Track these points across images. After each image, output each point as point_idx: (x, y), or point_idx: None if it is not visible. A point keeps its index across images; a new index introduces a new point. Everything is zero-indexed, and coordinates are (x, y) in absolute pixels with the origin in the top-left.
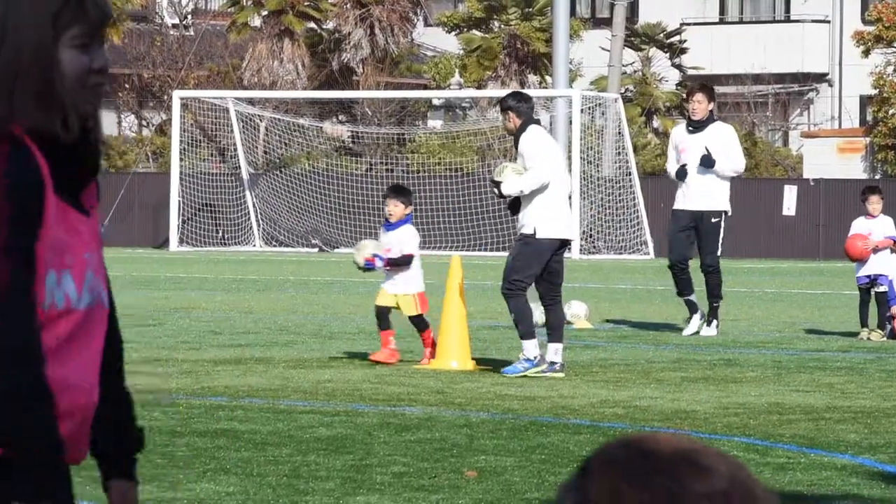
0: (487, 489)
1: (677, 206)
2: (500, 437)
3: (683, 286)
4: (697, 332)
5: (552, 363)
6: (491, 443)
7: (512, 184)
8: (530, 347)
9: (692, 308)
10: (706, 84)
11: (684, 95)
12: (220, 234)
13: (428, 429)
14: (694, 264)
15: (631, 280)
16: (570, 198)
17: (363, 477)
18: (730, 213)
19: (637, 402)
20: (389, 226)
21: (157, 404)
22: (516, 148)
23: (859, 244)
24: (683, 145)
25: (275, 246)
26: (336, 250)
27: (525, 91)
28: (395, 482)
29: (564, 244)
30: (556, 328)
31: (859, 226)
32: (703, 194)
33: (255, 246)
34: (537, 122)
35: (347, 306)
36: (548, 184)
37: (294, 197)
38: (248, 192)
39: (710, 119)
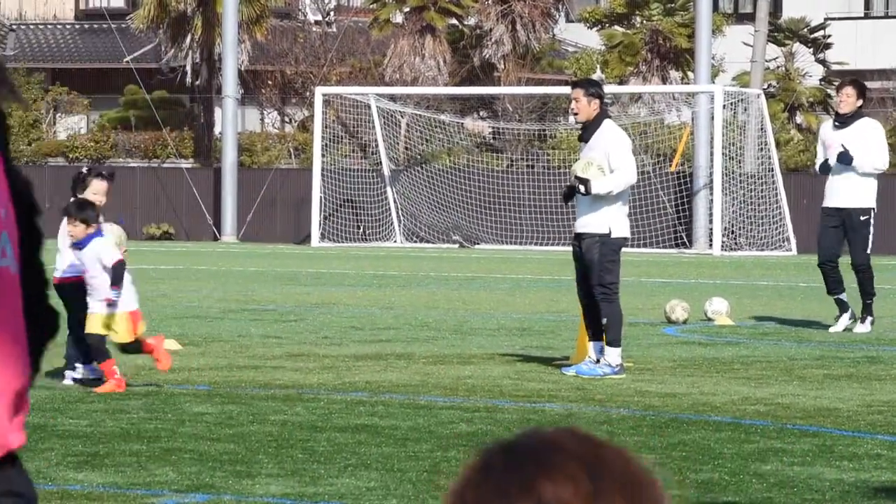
0: None
1: (825, 203)
2: (640, 434)
3: (833, 285)
4: (850, 330)
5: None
6: (631, 439)
7: (604, 183)
8: (614, 355)
9: (842, 307)
10: (857, 79)
11: (834, 90)
12: (361, 229)
13: (568, 425)
14: (845, 262)
15: (773, 276)
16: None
17: None
18: (876, 210)
19: (779, 400)
20: (78, 244)
21: (298, 399)
22: (585, 139)
23: None
24: (829, 141)
25: (415, 242)
26: (476, 246)
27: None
28: None
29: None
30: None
31: None
32: (849, 191)
33: (395, 242)
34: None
35: (488, 302)
36: (633, 183)
37: (435, 193)
38: (389, 188)
39: (856, 115)
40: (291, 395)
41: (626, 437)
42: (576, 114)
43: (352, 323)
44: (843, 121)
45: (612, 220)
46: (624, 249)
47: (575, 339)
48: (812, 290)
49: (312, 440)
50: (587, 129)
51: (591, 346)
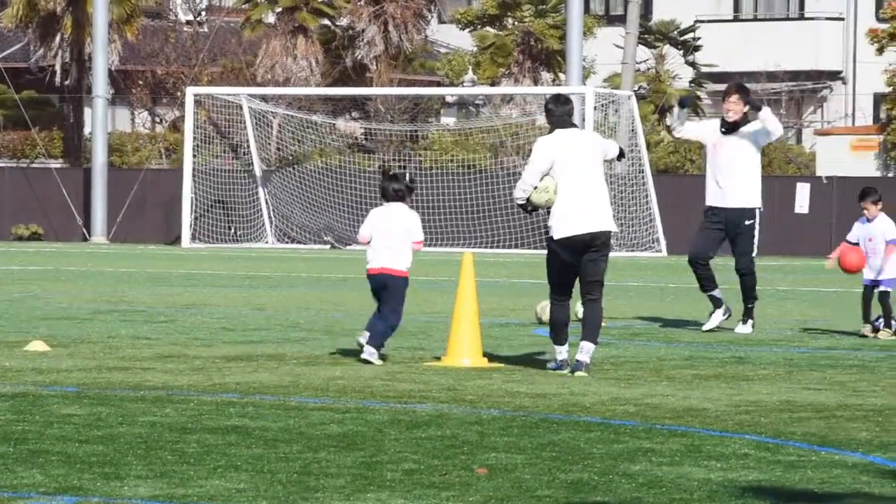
0: (498, 486)
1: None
2: (510, 435)
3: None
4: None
5: (578, 361)
6: (502, 440)
7: (516, 192)
8: (556, 351)
9: (716, 303)
10: (743, 85)
11: (704, 92)
12: (233, 230)
13: (438, 426)
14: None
15: (643, 277)
16: (597, 192)
17: (374, 474)
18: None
19: (648, 400)
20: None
21: (168, 400)
22: None
23: (853, 258)
24: (716, 142)
25: (287, 243)
26: (348, 247)
27: (565, 94)
28: (406, 479)
29: (593, 240)
30: (587, 326)
31: (856, 232)
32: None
33: (267, 242)
34: (567, 125)
35: (359, 303)
36: (531, 189)
37: (307, 194)
38: (260, 189)
39: (744, 121)
40: (161, 397)
41: (497, 437)
42: None
43: (222, 324)
44: (730, 127)
45: (552, 223)
46: (497, 251)
47: (446, 339)
48: (682, 291)
49: (182, 442)
50: None
51: (580, 344)
